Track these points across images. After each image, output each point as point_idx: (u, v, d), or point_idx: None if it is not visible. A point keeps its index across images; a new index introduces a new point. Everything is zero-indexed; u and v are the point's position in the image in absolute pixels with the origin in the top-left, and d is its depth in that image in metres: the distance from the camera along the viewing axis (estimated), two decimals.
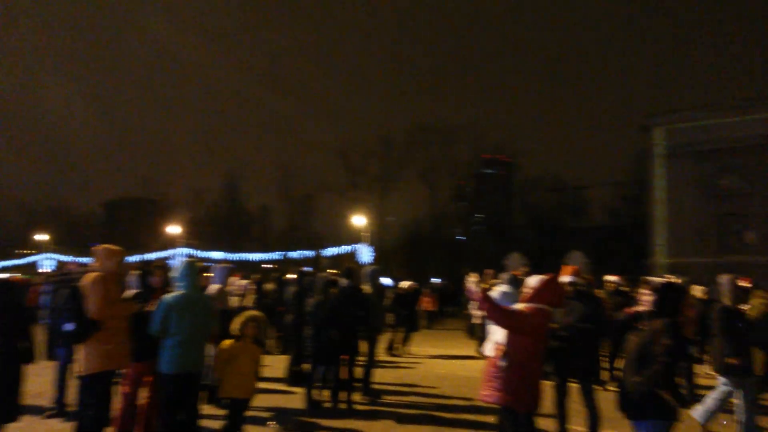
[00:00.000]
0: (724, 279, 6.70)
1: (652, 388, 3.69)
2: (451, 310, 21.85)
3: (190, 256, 37.63)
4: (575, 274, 6.06)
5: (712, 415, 6.55)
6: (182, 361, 5.12)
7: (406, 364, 12.09)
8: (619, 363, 4.68)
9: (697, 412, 6.64)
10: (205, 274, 7.82)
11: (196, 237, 50.14)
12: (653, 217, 44.24)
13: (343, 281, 8.03)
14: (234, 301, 8.83)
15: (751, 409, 6.15)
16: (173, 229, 46.31)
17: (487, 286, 8.12)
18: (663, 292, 3.96)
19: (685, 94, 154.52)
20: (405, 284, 16.76)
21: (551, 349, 5.68)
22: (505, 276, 6.52)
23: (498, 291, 5.63)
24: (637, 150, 50.63)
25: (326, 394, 7.76)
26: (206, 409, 5.93)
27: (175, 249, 43.13)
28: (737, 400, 6.26)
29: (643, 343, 3.83)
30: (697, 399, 7.34)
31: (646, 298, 3.97)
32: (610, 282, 10.58)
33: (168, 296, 5.25)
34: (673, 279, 8.08)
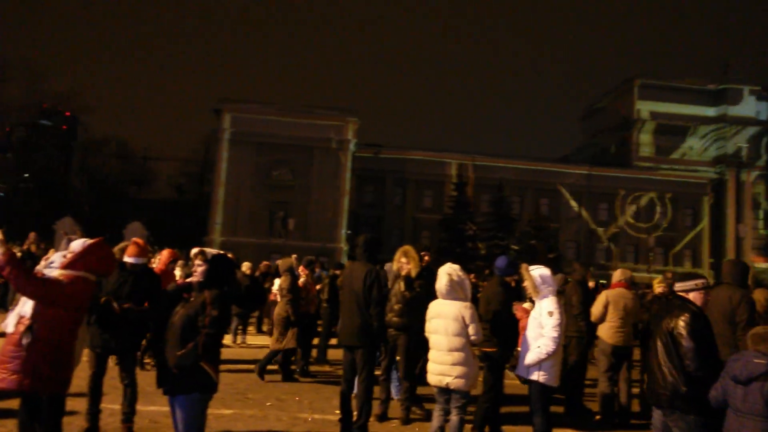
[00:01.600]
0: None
1: (196, 361, 3.67)
2: None
3: None
4: (140, 253, 5.63)
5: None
6: None
7: None
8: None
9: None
10: None
11: None
12: (214, 197, 46.59)
13: None
14: None
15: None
16: None
17: (42, 252, 6.90)
18: (214, 263, 3.98)
19: (259, 87, 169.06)
20: None
21: (96, 323, 5.16)
22: (64, 242, 5.59)
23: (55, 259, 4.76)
24: (207, 131, 52.49)
25: None
26: None
27: None
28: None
29: (190, 314, 3.76)
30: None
31: (199, 269, 3.92)
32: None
33: None
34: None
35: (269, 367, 8.45)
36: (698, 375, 3.89)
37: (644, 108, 55.02)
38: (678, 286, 4.32)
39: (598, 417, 7.02)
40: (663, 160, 54.60)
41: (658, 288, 8.08)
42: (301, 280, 8.89)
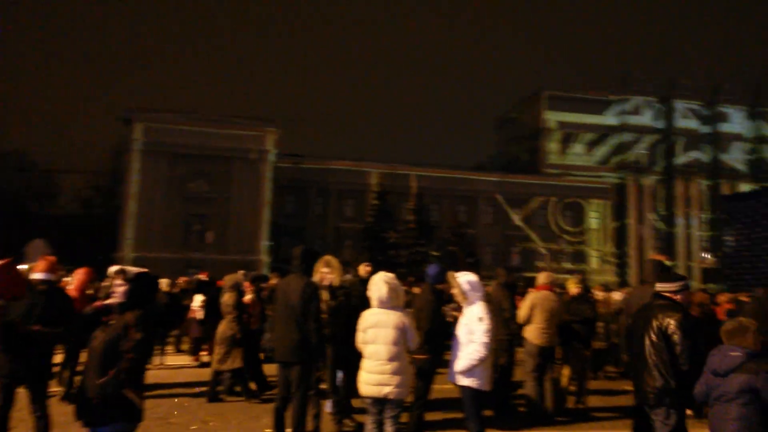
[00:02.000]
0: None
1: (118, 389, 3.41)
2: None
3: None
4: (50, 269, 5.20)
5: None
6: None
7: None
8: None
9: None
10: None
11: None
12: (125, 211, 44.32)
13: None
14: None
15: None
16: None
17: None
18: (138, 282, 3.73)
19: (172, 95, 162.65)
20: None
21: (4, 350, 4.73)
22: None
23: None
24: (115, 141, 49.96)
25: None
26: None
27: None
28: None
29: (111, 339, 3.50)
30: None
31: (119, 289, 3.65)
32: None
33: None
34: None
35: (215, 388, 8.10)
36: (688, 371, 4.03)
37: (552, 118, 57.80)
38: (663, 287, 4.47)
39: (525, 417, 7.21)
40: (570, 167, 57.58)
41: (574, 289, 8.43)
42: (248, 296, 8.53)
